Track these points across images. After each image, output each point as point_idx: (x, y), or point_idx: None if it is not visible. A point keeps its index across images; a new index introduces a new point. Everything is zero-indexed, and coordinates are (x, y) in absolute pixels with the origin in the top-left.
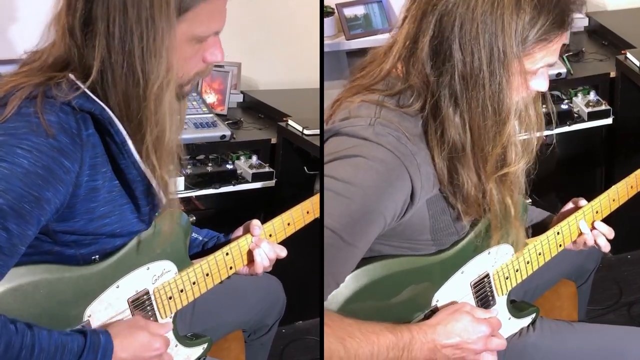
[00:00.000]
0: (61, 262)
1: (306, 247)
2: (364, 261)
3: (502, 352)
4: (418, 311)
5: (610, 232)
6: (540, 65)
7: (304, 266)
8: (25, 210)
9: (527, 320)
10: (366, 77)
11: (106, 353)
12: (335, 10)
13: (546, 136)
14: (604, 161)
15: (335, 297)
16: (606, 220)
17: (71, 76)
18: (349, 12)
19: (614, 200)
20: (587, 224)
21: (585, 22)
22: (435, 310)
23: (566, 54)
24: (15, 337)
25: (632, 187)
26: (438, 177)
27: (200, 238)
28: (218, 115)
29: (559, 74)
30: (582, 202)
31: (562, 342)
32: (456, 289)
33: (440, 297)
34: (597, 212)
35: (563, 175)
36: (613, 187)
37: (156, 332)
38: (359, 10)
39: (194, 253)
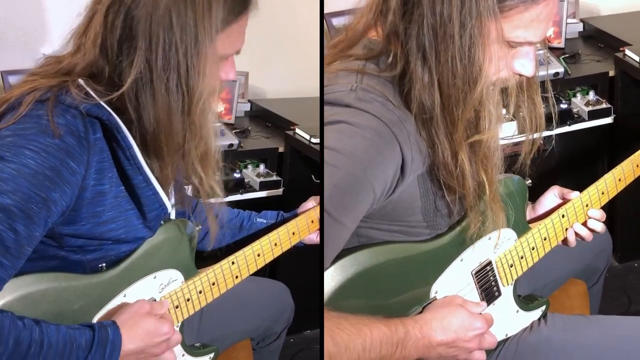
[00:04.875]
0: (68, 269)
1: (314, 255)
2: (351, 249)
3: (513, 348)
4: (416, 304)
5: (602, 216)
6: (520, 39)
7: (311, 275)
8: (33, 211)
9: (537, 313)
10: (345, 40)
11: (115, 347)
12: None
13: (544, 141)
14: (606, 158)
15: None
16: (611, 228)
17: (80, 81)
18: (337, 22)
19: (620, 180)
20: (596, 207)
21: (579, 28)
22: None
23: (562, 56)
24: (23, 333)
25: (638, 165)
26: (427, 148)
27: (265, 221)
28: (225, 124)
29: (557, 74)
30: (573, 194)
31: (578, 336)
32: (456, 278)
33: (439, 288)
34: (602, 193)
35: (563, 174)
36: (618, 166)
37: (160, 313)
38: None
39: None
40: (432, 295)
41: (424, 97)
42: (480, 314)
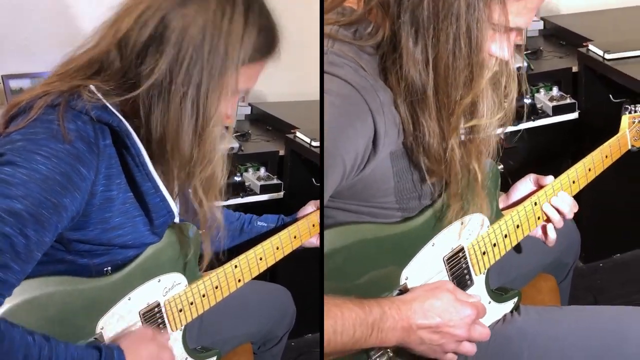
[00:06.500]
0: (74, 273)
1: (314, 259)
2: None
3: (485, 341)
4: (385, 291)
5: (574, 205)
6: (511, 24)
7: (313, 278)
8: (44, 216)
9: (509, 306)
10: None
11: None
12: None
13: (508, 137)
14: (570, 155)
15: None
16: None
17: (92, 87)
18: None
19: (589, 170)
20: (569, 194)
21: (540, 26)
22: (405, 291)
23: (524, 52)
24: (33, 350)
25: (606, 156)
26: (402, 125)
27: (266, 225)
28: (226, 127)
29: (519, 69)
30: (547, 179)
31: (552, 326)
32: (427, 264)
33: (409, 274)
34: (573, 182)
35: (528, 170)
36: (588, 155)
37: (164, 344)
38: None
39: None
40: (402, 281)
41: (415, 75)
42: (471, 301)
